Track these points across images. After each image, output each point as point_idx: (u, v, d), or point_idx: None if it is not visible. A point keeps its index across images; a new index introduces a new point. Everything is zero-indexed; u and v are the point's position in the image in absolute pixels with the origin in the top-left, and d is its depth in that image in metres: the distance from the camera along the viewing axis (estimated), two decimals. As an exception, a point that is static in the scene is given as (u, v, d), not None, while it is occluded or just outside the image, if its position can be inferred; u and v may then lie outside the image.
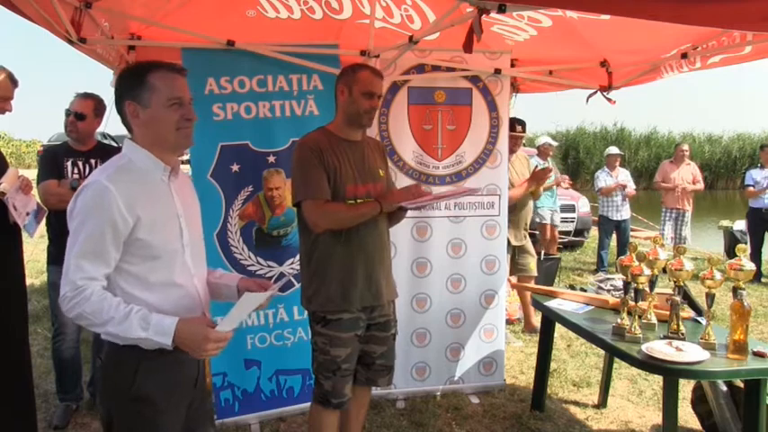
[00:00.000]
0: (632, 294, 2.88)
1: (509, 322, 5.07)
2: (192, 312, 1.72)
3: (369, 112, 2.49)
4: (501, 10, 2.10)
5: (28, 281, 5.58)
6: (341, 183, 2.44)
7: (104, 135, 11.20)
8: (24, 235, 2.79)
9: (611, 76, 3.87)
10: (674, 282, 2.79)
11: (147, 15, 3.05)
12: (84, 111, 3.22)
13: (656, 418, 3.54)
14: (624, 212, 7.72)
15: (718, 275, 2.62)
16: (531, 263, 5.00)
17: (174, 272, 1.70)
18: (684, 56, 3.27)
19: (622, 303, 2.90)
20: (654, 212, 9.69)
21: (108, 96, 3.61)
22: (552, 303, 3.35)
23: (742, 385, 2.74)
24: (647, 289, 2.93)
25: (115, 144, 3.25)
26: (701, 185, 7.93)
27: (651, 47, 3.40)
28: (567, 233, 9.16)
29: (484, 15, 2.18)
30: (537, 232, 7.31)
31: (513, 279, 4.97)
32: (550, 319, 3.44)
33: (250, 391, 3.40)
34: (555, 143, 7.98)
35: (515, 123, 4.65)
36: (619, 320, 2.86)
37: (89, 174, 3.20)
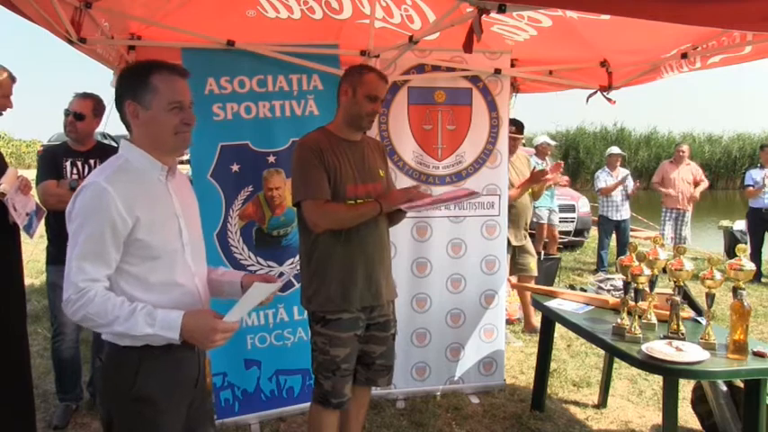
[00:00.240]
0: (632, 294, 2.88)
1: (509, 322, 5.07)
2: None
3: (370, 116, 2.49)
4: (501, 10, 2.10)
5: (28, 281, 5.57)
6: (341, 183, 2.44)
7: (104, 135, 11.21)
8: (24, 235, 2.79)
9: (611, 76, 3.87)
10: (674, 282, 2.79)
11: (147, 15, 3.05)
12: (83, 111, 3.22)
13: (656, 418, 3.54)
14: (624, 212, 7.71)
15: (718, 275, 2.62)
16: (532, 263, 5.00)
17: (176, 271, 1.70)
18: (684, 56, 3.27)
19: (622, 303, 2.90)
20: (654, 212, 9.69)
21: (108, 96, 3.61)
22: (552, 303, 3.35)
23: (742, 385, 2.74)
24: (647, 289, 2.93)
25: (115, 144, 3.24)
26: (705, 183, 7.92)
27: (651, 47, 3.40)
28: (567, 233, 9.16)
29: (484, 15, 2.18)
30: (534, 232, 7.30)
31: (514, 279, 4.97)
32: (550, 319, 3.44)
33: (250, 391, 3.40)
34: (553, 143, 7.96)
35: (509, 124, 4.60)
36: (619, 320, 2.86)
37: (88, 174, 3.21)
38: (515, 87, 4.36)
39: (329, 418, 2.54)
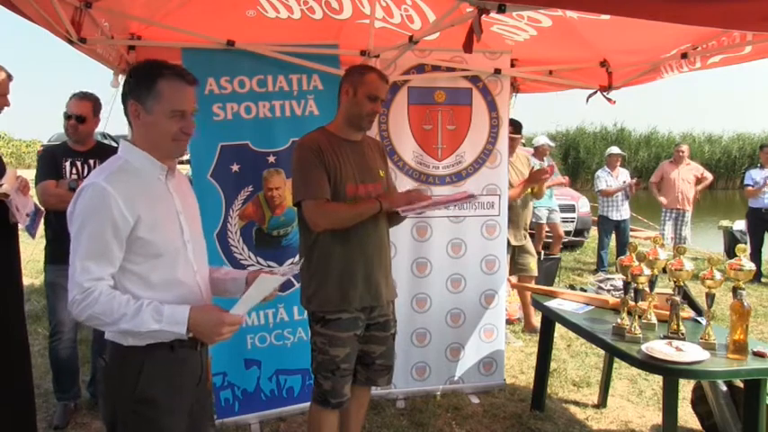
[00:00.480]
0: (632, 294, 2.88)
1: (509, 322, 5.07)
2: None
3: (370, 116, 2.49)
4: (501, 10, 2.10)
5: (28, 281, 5.57)
6: (341, 183, 2.44)
7: (104, 135, 11.21)
8: (23, 235, 2.78)
9: (611, 76, 3.87)
10: (674, 282, 2.79)
11: (147, 15, 3.05)
12: (84, 113, 3.22)
13: (656, 418, 3.54)
14: (624, 212, 7.71)
15: (718, 275, 2.62)
16: (532, 263, 4.99)
17: (177, 269, 1.71)
18: (684, 56, 3.27)
19: (622, 303, 2.90)
20: (654, 212, 9.69)
21: (108, 96, 3.63)
22: (552, 303, 3.35)
23: (742, 385, 2.74)
24: (647, 289, 2.93)
25: (115, 144, 3.23)
26: (709, 179, 7.90)
27: (651, 47, 3.40)
28: (567, 233, 9.15)
29: (484, 15, 2.18)
30: (534, 232, 7.29)
31: (514, 279, 4.97)
32: (550, 319, 3.44)
33: (250, 391, 3.40)
34: (552, 143, 7.95)
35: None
36: (619, 320, 2.86)
37: (88, 174, 3.21)
38: (515, 87, 4.36)
39: (329, 417, 2.54)
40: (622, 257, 3.00)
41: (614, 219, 7.67)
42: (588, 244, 9.57)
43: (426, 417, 3.52)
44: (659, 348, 2.54)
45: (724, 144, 25.60)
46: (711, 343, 2.62)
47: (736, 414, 2.90)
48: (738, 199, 17.29)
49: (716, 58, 3.18)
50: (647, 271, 2.85)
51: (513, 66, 3.88)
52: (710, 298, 2.67)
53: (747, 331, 2.53)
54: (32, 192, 2.89)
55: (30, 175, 3.11)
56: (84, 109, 3.22)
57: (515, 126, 4.75)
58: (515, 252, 4.92)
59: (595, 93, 3.99)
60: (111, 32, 3.10)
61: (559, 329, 3.81)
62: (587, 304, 3.31)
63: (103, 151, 3.31)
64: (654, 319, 2.90)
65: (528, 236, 5.07)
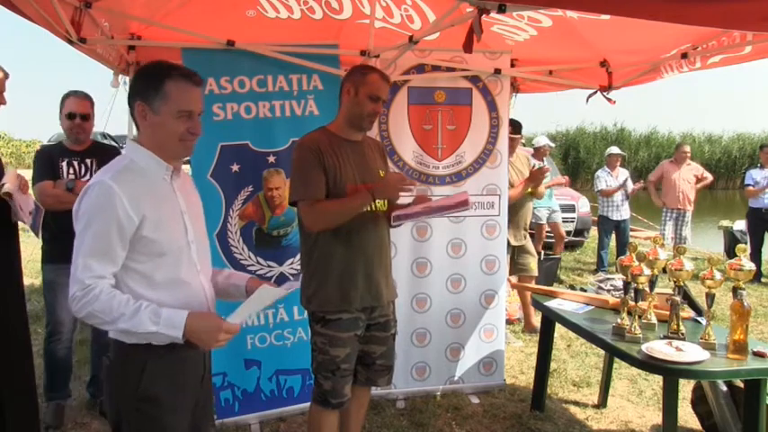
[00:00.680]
0: (632, 294, 2.88)
1: (509, 322, 5.07)
2: (198, 309, 1.73)
3: (371, 116, 2.49)
4: (501, 10, 2.10)
5: (28, 281, 5.56)
6: (341, 183, 2.44)
7: (104, 135, 11.22)
8: (23, 235, 2.78)
9: (611, 76, 3.87)
10: (674, 282, 2.79)
11: (147, 15, 3.05)
12: (87, 111, 3.23)
13: (656, 418, 3.54)
14: (624, 212, 7.71)
15: (718, 275, 2.62)
16: (532, 263, 4.99)
17: (181, 269, 1.72)
18: (684, 56, 3.27)
19: (622, 303, 2.90)
20: (654, 212, 9.68)
21: (108, 96, 3.63)
22: (552, 303, 3.35)
23: (742, 385, 2.74)
24: (647, 289, 2.93)
25: (115, 144, 3.25)
26: (709, 179, 7.90)
27: (651, 47, 3.40)
28: (567, 233, 9.14)
29: (484, 15, 2.18)
30: (534, 232, 7.29)
31: (514, 279, 4.97)
32: (550, 319, 3.43)
33: (250, 391, 3.40)
34: (551, 144, 7.94)
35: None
36: (619, 320, 2.86)
37: (85, 173, 3.21)
38: (515, 87, 4.36)
39: (329, 418, 2.54)
40: (622, 257, 3.00)
41: (614, 219, 7.67)
42: (588, 244, 9.57)
43: (426, 417, 3.52)
44: (659, 348, 2.54)
45: (724, 144, 25.62)
46: (711, 343, 2.62)
47: (736, 414, 2.90)
48: (738, 199, 17.30)
49: (716, 58, 3.18)
50: (647, 271, 2.85)
51: (513, 66, 3.88)
52: (710, 298, 2.67)
53: (747, 331, 2.53)
54: (30, 191, 2.89)
55: (30, 175, 3.10)
56: (85, 107, 3.24)
57: (515, 126, 4.74)
58: (515, 252, 4.92)
59: (595, 93, 3.99)
60: (111, 32, 3.10)
61: (559, 329, 3.81)
62: (587, 304, 3.31)
63: (100, 150, 3.31)
64: (654, 319, 2.90)
65: (528, 236, 5.07)
